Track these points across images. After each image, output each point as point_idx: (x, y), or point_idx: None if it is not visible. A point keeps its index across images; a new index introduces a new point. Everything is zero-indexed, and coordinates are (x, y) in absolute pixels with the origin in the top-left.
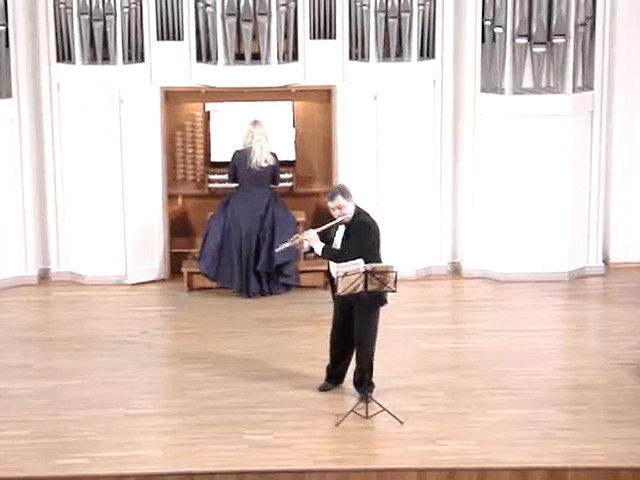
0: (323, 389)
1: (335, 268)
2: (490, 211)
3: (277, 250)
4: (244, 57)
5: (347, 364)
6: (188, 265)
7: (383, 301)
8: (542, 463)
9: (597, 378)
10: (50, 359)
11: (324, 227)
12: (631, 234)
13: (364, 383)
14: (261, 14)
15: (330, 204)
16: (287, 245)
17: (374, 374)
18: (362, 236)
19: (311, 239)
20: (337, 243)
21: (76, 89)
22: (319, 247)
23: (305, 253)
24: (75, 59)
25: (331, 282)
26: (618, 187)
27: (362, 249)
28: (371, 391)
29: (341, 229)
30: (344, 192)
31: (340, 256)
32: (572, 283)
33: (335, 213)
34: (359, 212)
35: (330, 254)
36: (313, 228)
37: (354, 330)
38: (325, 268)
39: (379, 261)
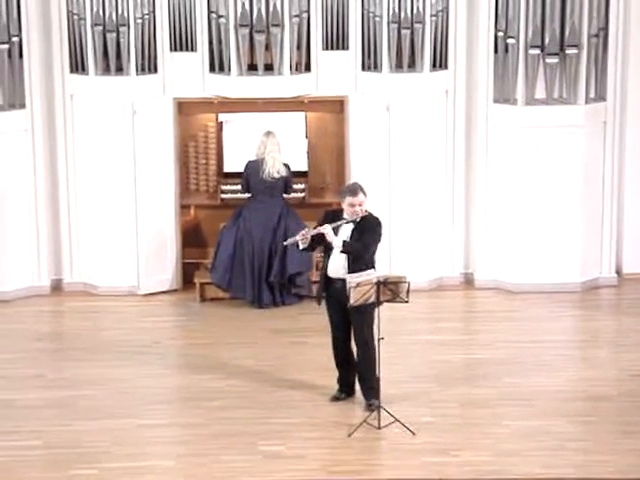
0: (335, 399)
1: (347, 278)
2: (503, 222)
3: (285, 243)
4: (257, 68)
5: (355, 372)
6: (200, 275)
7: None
8: (554, 474)
9: (609, 389)
10: (62, 369)
11: (338, 223)
12: None
13: (370, 390)
14: (274, 25)
15: (353, 200)
16: (297, 238)
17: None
18: (378, 232)
19: (327, 234)
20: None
21: (89, 100)
22: (338, 242)
23: (302, 250)
24: (88, 70)
25: (326, 283)
26: (631, 198)
27: (375, 246)
28: (377, 398)
29: (347, 227)
30: (364, 190)
31: (361, 250)
32: (585, 294)
33: (353, 210)
34: (367, 211)
35: (350, 248)
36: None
37: (354, 337)
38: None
39: (374, 260)
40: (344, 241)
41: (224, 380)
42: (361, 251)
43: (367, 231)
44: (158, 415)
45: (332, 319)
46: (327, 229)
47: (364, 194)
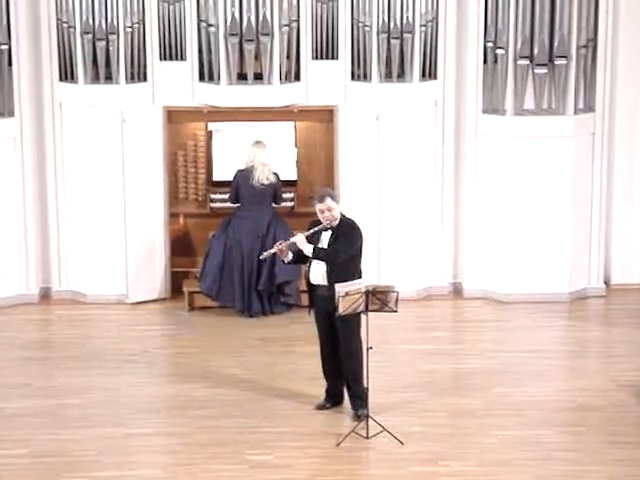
0: (321, 408)
1: (336, 288)
2: (491, 232)
3: (261, 257)
4: (246, 77)
5: (343, 381)
6: (189, 284)
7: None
8: None
9: (598, 399)
10: (50, 378)
11: (312, 231)
12: (632, 255)
13: (358, 400)
14: (264, 34)
15: (320, 206)
16: (272, 251)
17: (369, 392)
18: (352, 237)
19: (298, 242)
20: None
21: (78, 108)
22: (309, 248)
23: (288, 263)
24: (78, 78)
25: (310, 291)
26: (619, 208)
27: (351, 250)
28: (365, 407)
29: (326, 235)
30: (333, 195)
31: (332, 255)
32: (573, 304)
33: (324, 216)
34: (345, 217)
35: (320, 254)
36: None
37: (340, 347)
38: None
39: (359, 268)
40: (314, 247)
41: (212, 389)
42: (332, 256)
43: (341, 237)
44: (146, 424)
45: (318, 327)
46: (298, 237)
47: (333, 199)
